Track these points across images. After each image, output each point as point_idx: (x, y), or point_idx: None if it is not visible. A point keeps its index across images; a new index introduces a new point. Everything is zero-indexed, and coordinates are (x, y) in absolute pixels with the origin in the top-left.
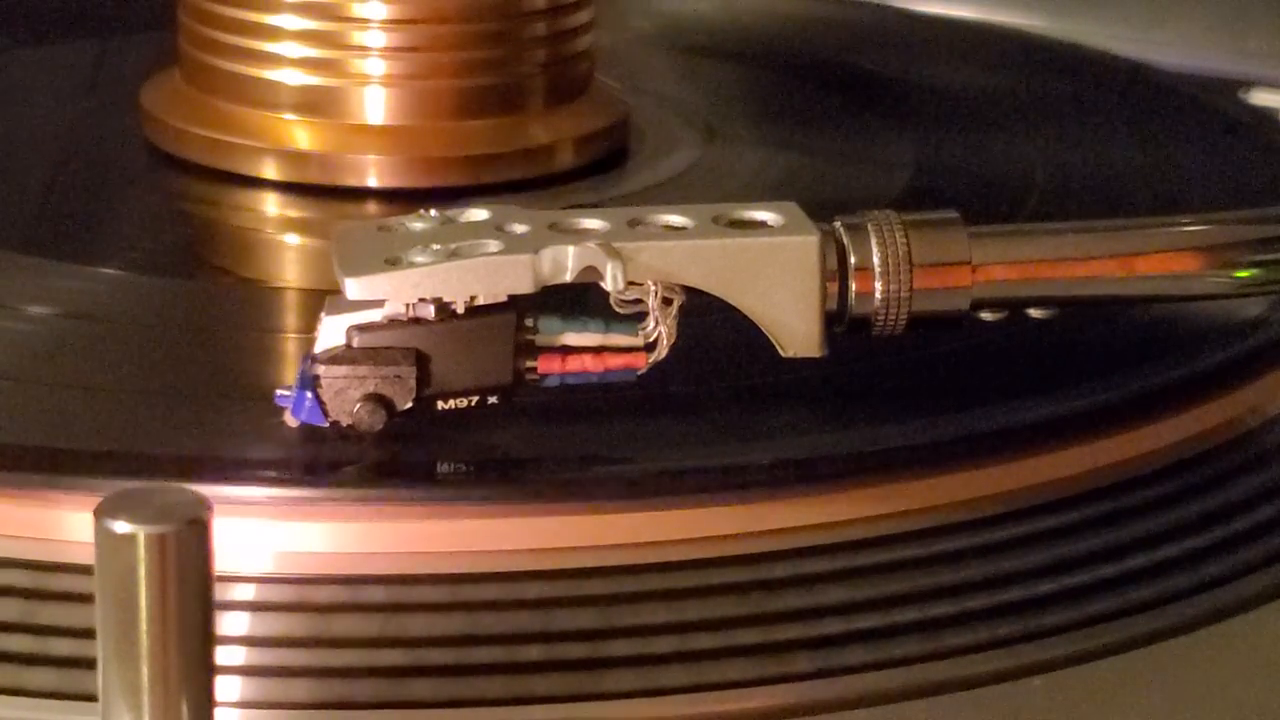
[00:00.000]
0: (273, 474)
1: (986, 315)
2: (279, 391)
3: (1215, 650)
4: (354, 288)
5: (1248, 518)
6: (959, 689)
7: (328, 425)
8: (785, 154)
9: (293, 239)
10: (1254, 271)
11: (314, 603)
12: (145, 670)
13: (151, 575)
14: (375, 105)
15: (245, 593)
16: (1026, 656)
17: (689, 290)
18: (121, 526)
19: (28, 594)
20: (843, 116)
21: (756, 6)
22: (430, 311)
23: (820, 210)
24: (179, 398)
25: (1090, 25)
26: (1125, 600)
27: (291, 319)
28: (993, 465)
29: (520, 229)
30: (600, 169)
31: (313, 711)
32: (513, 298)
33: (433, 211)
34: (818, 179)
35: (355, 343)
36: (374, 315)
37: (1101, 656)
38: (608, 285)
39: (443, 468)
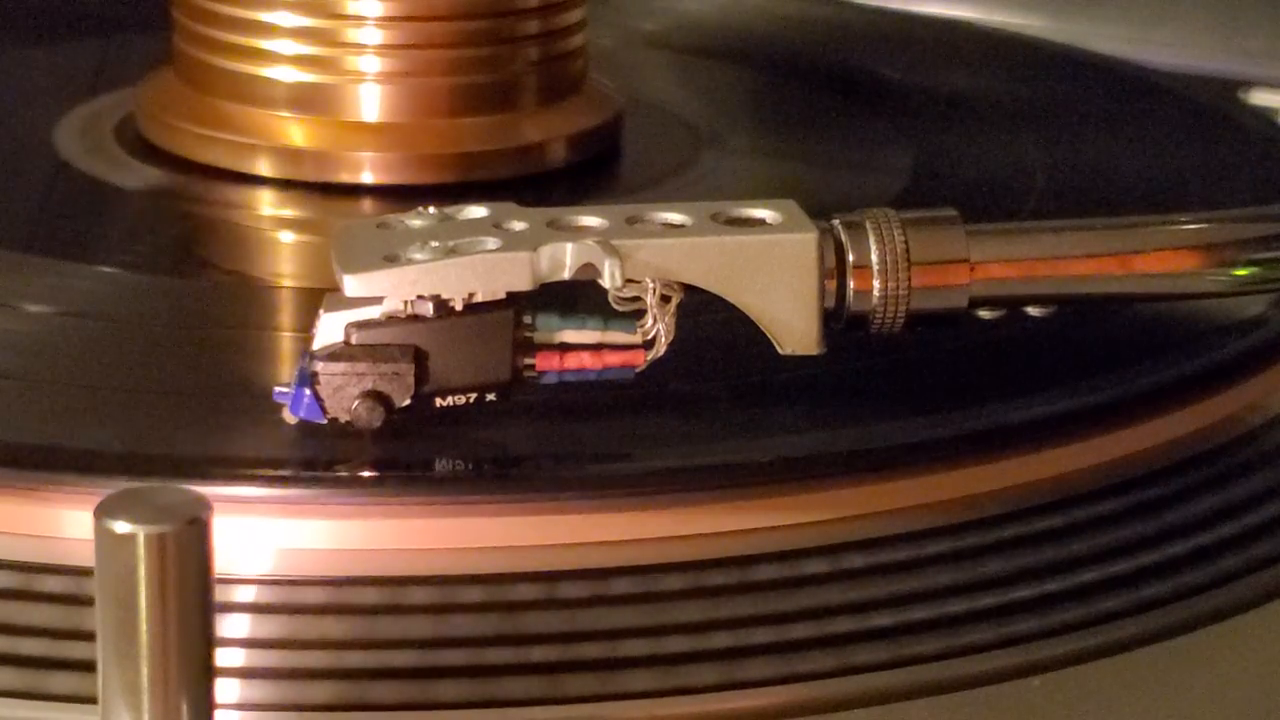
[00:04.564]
0: (271, 472)
1: (984, 313)
2: (277, 389)
3: (1215, 650)
4: (353, 284)
5: (1249, 516)
6: (959, 688)
7: (326, 422)
8: (783, 155)
9: (288, 236)
10: (1253, 270)
11: (312, 603)
12: (145, 670)
13: (151, 575)
14: (370, 102)
15: (245, 594)
16: (1026, 656)
17: (687, 288)
18: (121, 526)
19: (26, 594)
20: (841, 117)
21: (755, 7)
22: (429, 308)
23: (819, 209)
24: (178, 397)
25: (1089, 26)
26: (1126, 600)
27: (289, 316)
28: (992, 464)
29: (518, 226)
30: (594, 167)
31: (313, 713)
32: (511, 295)
33: (431, 209)
34: (816, 179)
35: (354, 340)
36: (372, 312)
37: (1101, 656)
38: (606, 282)
39: (441, 465)
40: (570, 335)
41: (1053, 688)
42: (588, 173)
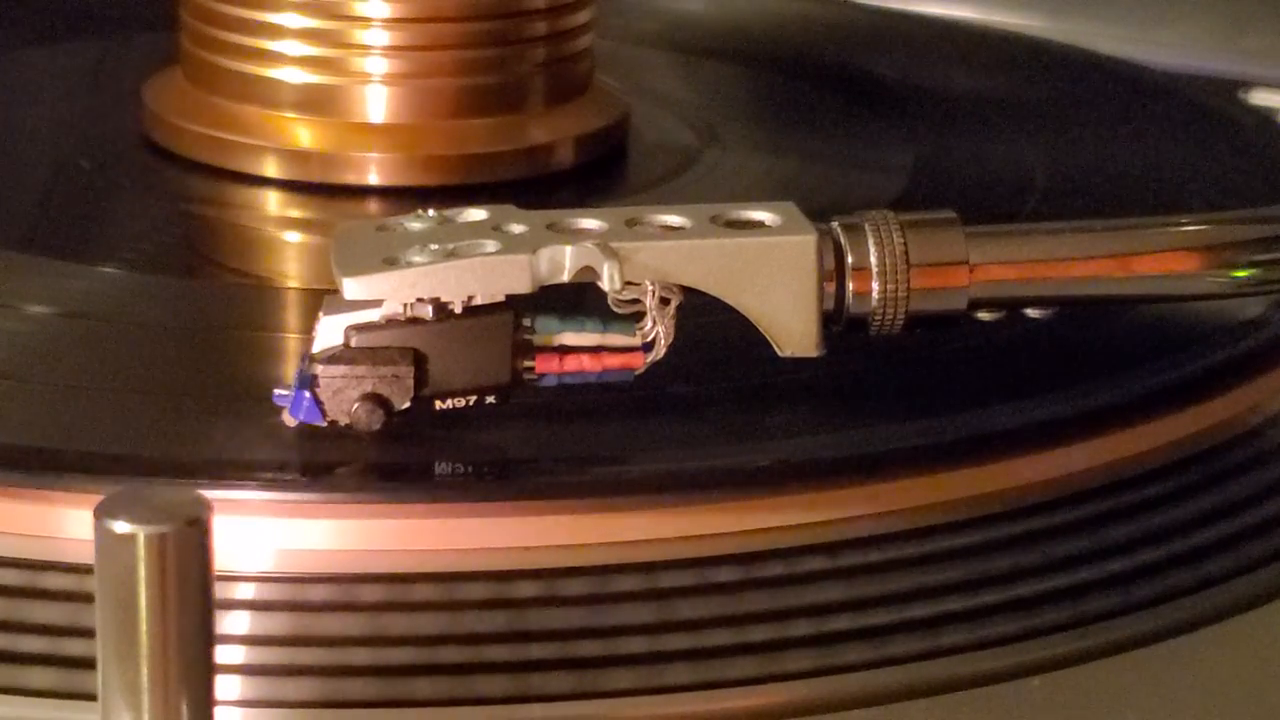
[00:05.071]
0: (271, 474)
1: (984, 315)
2: (277, 391)
3: (1215, 650)
4: (352, 287)
5: (1248, 516)
6: (958, 689)
7: (325, 425)
8: (784, 155)
9: (293, 237)
10: (1253, 271)
11: (313, 602)
12: (145, 670)
13: (151, 575)
14: (376, 104)
15: (245, 592)
16: (1026, 656)
17: (687, 290)
18: (121, 526)
19: (27, 593)
20: (842, 118)
21: (756, 7)
22: (428, 311)
23: (819, 211)
24: (179, 397)
25: (1090, 25)
26: (1125, 599)
27: (291, 318)
28: (993, 465)
29: (518, 229)
30: (600, 168)
31: (312, 710)
32: (510, 297)
33: (430, 211)
34: (816, 180)
35: (353, 342)
36: (372, 315)
37: (1101, 656)
38: (605, 285)
39: (441, 468)
40: (569, 337)
41: (1053, 688)
42: (594, 174)
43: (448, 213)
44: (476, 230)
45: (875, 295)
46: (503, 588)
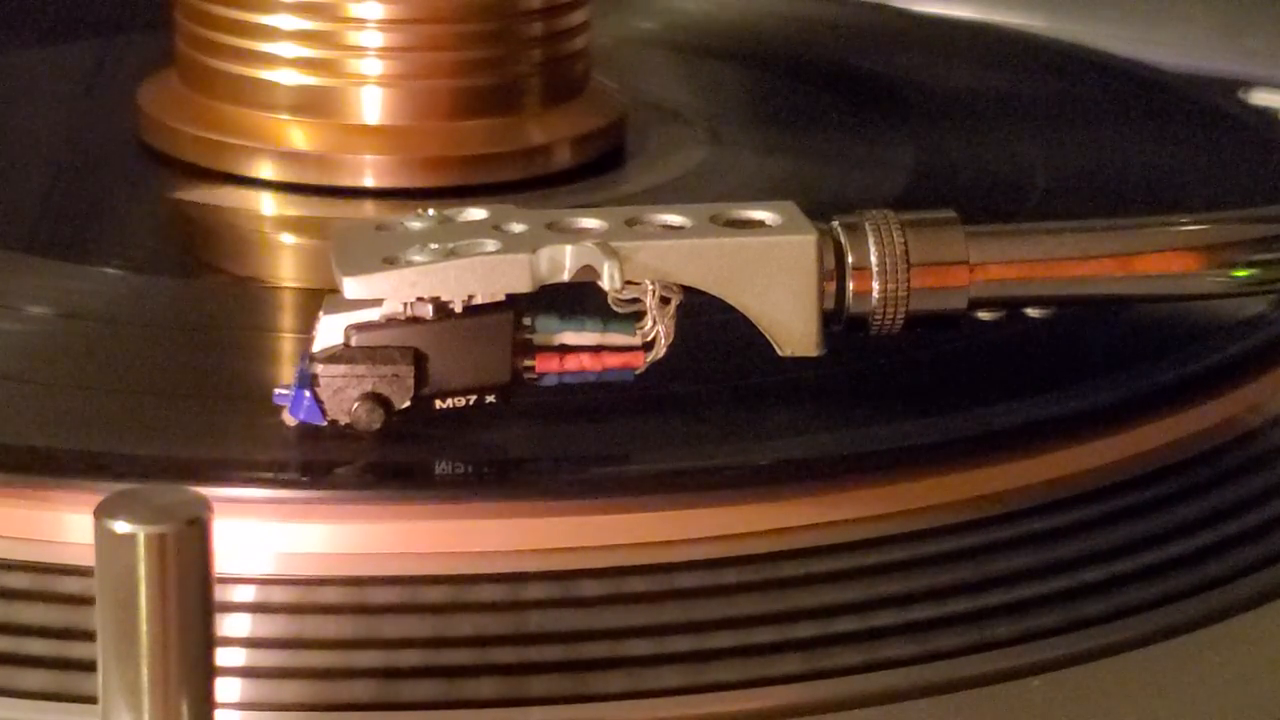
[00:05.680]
0: (271, 474)
1: (984, 314)
2: (277, 390)
3: (1215, 650)
4: (352, 287)
5: (1248, 517)
6: (958, 689)
7: (326, 424)
8: (784, 154)
9: (290, 239)
10: (1253, 271)
11: (312, 603)
12: (145, 670)
13: (151, 575)
14: (372, 105)
15: (244, 594)
16: (1026, 656)
17: (687, 289)
18: (121, 526)
19: (27, 595)
20: (842, 116)
21: (756, 6)
22: (428, 310)
23: (819, 210)
24: (178, 398)
25: (1090, 25)
26: (1125, 600)
27: (290, 318)
28: (993, 465)
29: (518, 228)
30: (598, 169)
31: (312, 712)
32: (510, 297)
33: (430, 211)
34: (817, 179)
35: (353, 342)
36: (372, 314)
37: (1101, 656)
38: (605, 284)
39: (441, 467)
40: (570, 337)
41: (1053, 688)
42: (593, 174)
43: (448, 212)
44: (476, 229)
45: (875, 295)
46: (503, 589)
